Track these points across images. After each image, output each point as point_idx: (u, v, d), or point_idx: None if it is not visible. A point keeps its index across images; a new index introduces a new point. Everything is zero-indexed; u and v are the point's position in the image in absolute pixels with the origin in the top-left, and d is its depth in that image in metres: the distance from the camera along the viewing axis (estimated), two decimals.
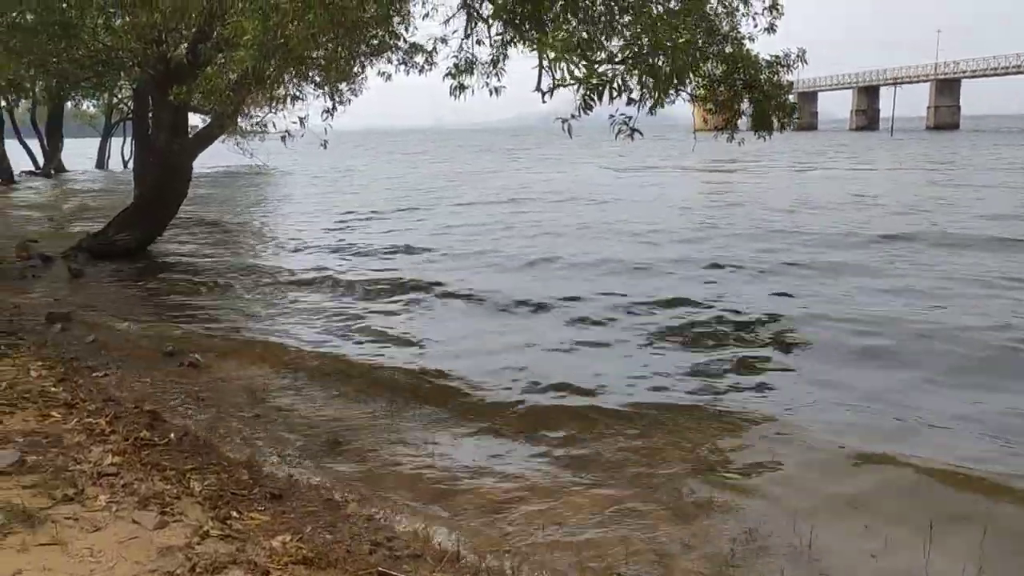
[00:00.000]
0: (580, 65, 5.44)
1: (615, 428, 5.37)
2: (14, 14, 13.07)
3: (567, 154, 47.91)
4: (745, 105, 8.36)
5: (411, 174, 35.00)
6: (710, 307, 8.87)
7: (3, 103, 35.04)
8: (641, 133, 6.20)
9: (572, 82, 5.53)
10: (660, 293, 9.49)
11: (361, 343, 7.68)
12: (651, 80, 6.00)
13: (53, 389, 5.62)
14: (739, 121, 8.76)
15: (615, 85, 5.59)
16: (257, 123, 10.17)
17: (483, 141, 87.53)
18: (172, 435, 4.87)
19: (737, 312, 8.64)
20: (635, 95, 6.06)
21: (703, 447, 5.03)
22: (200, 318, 8.69)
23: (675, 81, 5.92)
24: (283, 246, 14.85)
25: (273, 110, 9.40)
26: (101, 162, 49.49)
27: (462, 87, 9.54)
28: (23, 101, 34.17)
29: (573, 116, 5.96)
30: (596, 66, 5.72)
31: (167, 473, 4.23)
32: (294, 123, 8.64)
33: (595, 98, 5.53)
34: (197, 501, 3.90)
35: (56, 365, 6.28)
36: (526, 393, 6.04)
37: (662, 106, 6.16)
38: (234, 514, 3.77)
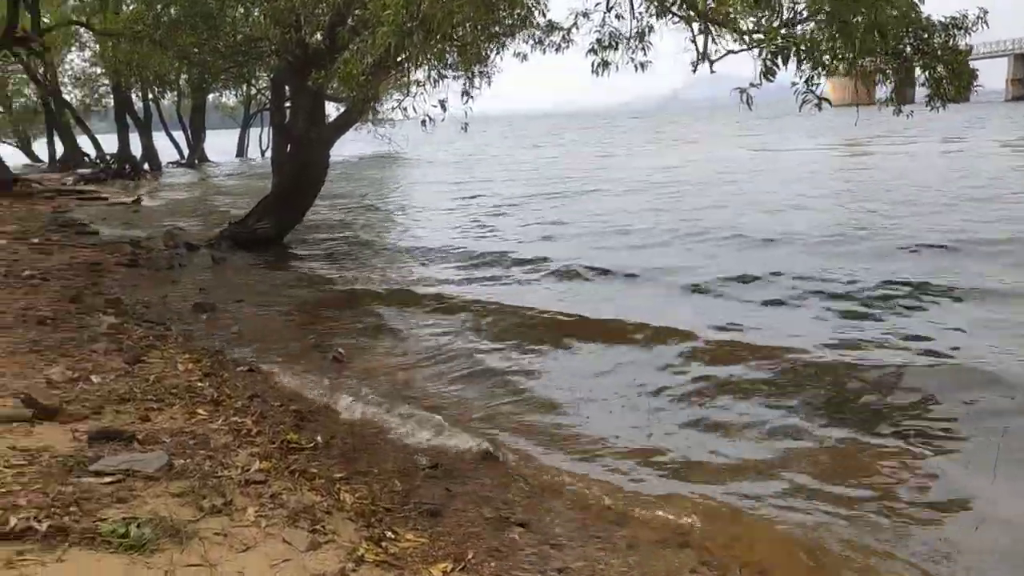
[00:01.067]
0: (762, 24, 4.85)
1: None
2: (159, 7, 13.53)
3: (702, 134, 46.30)
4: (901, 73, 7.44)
5: (547, 159, 34.42)
6: None
7: (150, 97, 37.08)
8: (829, 101, 5.53)
9: (752, 45, 4.95)
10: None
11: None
12: (840, 43, 5.30)
13: (200, 384, 5.53)
14: (885, 91, 7.81)
15: (802, 47, 4.96)
16: (395, 108, 9.89)
17: (608, 124, 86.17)
18: (319, 438, 4.64)
19: None
20: (826, 58, 5.38)
21: None
22: (340, 309, 8.56)
23: (877, 36, 5.20)
24: (423, 235, 14.56)
25: (411, 94, 9.15)
26: (240, 152, 51.75)
27: (605, 64, 9.04)
28: (168, 94, 35.89)
29: (753, 85, 5.36)
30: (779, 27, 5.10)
31: (316, 482, 3.97)
32: (434, 106, 8.34)
33: (779, 63, 4.93)
34: (348, 517, 3.61)
35: (202, 358, 6.23)
36: None
37: (854, 71, 5.46)
38: (389, 534, 3.46)
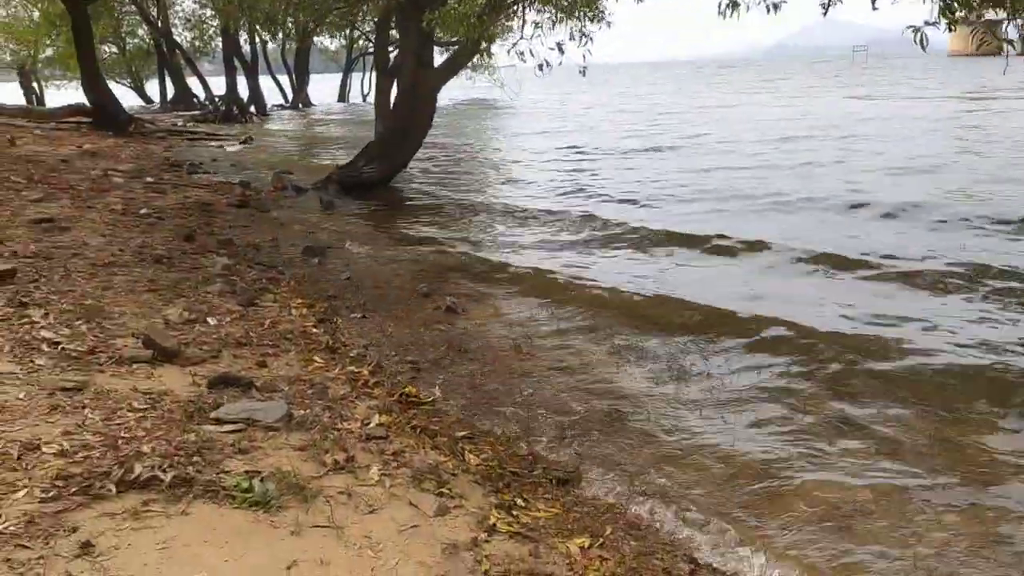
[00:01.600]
0: None
1: None
2: None
3: (806, 86, 44.16)
4: None
5: (658, 109, 33.33)
6: None
7: (257, 41, 37.68)
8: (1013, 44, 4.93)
9: None
10: None
11: (640, 286, 6.94)
12: None
13: (314, 330, 5.44)
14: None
15: None
16: (509, 52, 9.56)
17: (712, 74, 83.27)
18: (437, 391, 4.47)
19: None
20: None
21: None
22: (451, 256, 8.39)
23: None
24: (530, 182, 14.04)
25: (525, 37, 8.80)
26: (342, 96, 52.27)
27: (735, 5, 8.49)
28: (277, 36, 36.29)
29: (927, 23, 4.82)
30: None
31: (438, 440, 3.80)
32: (551, 49, 7.97)
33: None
34: (475, 480, 3.42)
35: (315, 303, 6.15)
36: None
37: None
38: (519, 502, 3.25)
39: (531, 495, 3.35)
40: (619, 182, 13.26)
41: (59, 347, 4.54)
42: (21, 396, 3.75)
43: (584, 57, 8.61)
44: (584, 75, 9.12)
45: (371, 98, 46.29)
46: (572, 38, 8.45)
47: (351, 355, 5.01)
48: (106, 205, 9.83)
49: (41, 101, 40.76)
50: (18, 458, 3.14)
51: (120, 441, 3.34)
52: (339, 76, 53.96)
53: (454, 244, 8.95)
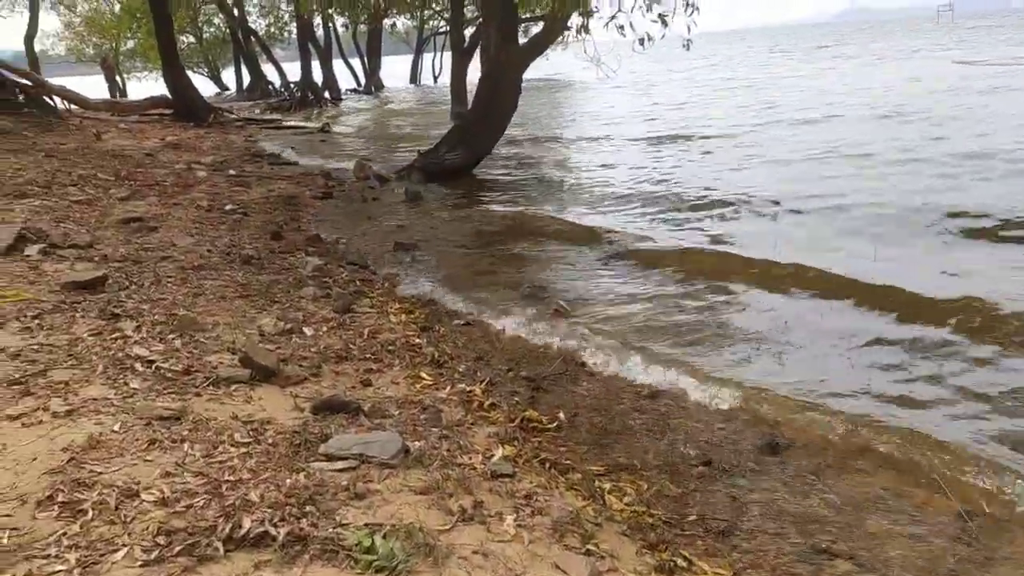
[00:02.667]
0: None
1: None
2: None
3: (898, 49, 41.92)
4: None
5: (740, 80, 32.00)
6: None
7: (330, 25, 37.77)
8: None
9: None
10: None
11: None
12: None
13: (417, 341, 5.08)
14: None
15: None
16: (607, 24, 8.99)
17: (792, 40, 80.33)
18: (561, 414, 4.03)
19: None
20: None
21: None
22: (547, 252, 7.91)
23: None
24: (617, 170, 13.33)
25: (623, 10, 8.25)
26: (414, 78, 52.15)
27: None
28: (351, 18, 36.24)
29: None
30: None
31: (572, 477, 3.37)
32: (654, 21, 7.40)
33: None
34: (622, 531, 2.99)
35: (414, 309, 5.80)
36: None
37: None
38: (680, 562, 2.79)
39: (690, 549, 2.89)
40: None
41: (153, 366, 4.27)
42: (116, 428, 3.46)
43: (689, 28, 7.98)
44: (688, 48, 8.47)
45: (443, 79, 46.31)
46: (689, 4, 7.81)
47: (459, 370, 4.63)
48: (192, 201, 9.70)
49: (124, 93, 41.75)
50: (116, 508, 2.84)
51: (224, 486, 3.01)
52: (409, 58, 53.85)
53: (548, 238, 8.47)
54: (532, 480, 3.28)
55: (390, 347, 4.92)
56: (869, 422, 3.81)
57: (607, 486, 3.29)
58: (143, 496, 2.92)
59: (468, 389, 4.28)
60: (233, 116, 24.00)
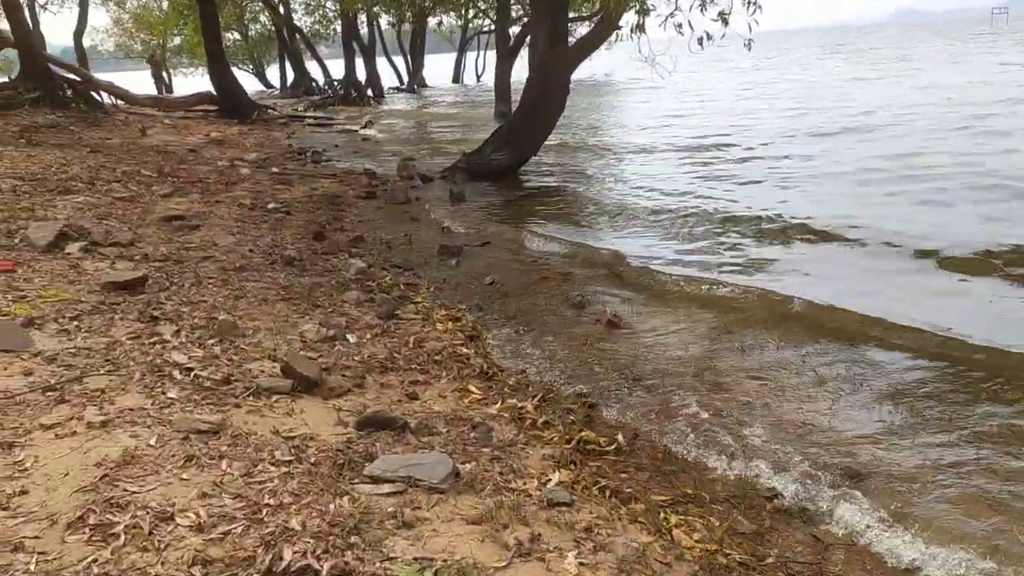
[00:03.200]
0: None
1: None
2: None
3: (959, 52, 40.74)
4: None
5: (824, 84, 30.88)
6: None
7: (374, 24, 37.85)
8: None
9: None
10: None
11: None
12: None
13: (464, 350, 4.86)
14: None
15: None
16: (663, 23, 8.64)
17: (844, 42, 78.79)
18: (620, 436, 3.78)
19: None
20: None
21: None
22: (596, 257, 7.63)
23: None
24: (661, 182, 12.62)
25: (682, 9, 7.94)
26: (457, 77, 52.13)
27: None
28: (395, 17, 36.28)
29: None
30: None
31: (635, 508, 3.12)
32: (714, 20, 7.11)
33: None
34: (694, 573, 2.72)
35: (461, 316, 5.58)
36: None
37: None
38: None
39: None
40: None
41: (192, 374, 4.11)
42: (152, 442, 3.30)
43: (750, 27, 7.64)
44: (750, 48, 8.08)
45: (486, 78, 46.22)
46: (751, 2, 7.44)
47: (509, 383, 4.40)
48: (234, 199, 9.61)
49: (170, 89, 42.27)
50: (149, 533, 2.66)
51: (265, 510, 2.82)
52: (452, 56, 53.86)
53: (596, 244, 8.18)
54: (592, 510, 3.05)
55: (436, 357, 4.71)
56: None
57: (674, 519, 3.04)
58: (178, 520, 2.74)
59: (519, 405, 4.05)
60: (276, 113, 24.07)
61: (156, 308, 5.16)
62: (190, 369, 4.17)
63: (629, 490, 3.22)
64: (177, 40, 47.50)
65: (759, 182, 10.62)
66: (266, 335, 4.90)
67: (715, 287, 6.19)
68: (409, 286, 6.37)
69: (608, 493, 3.20)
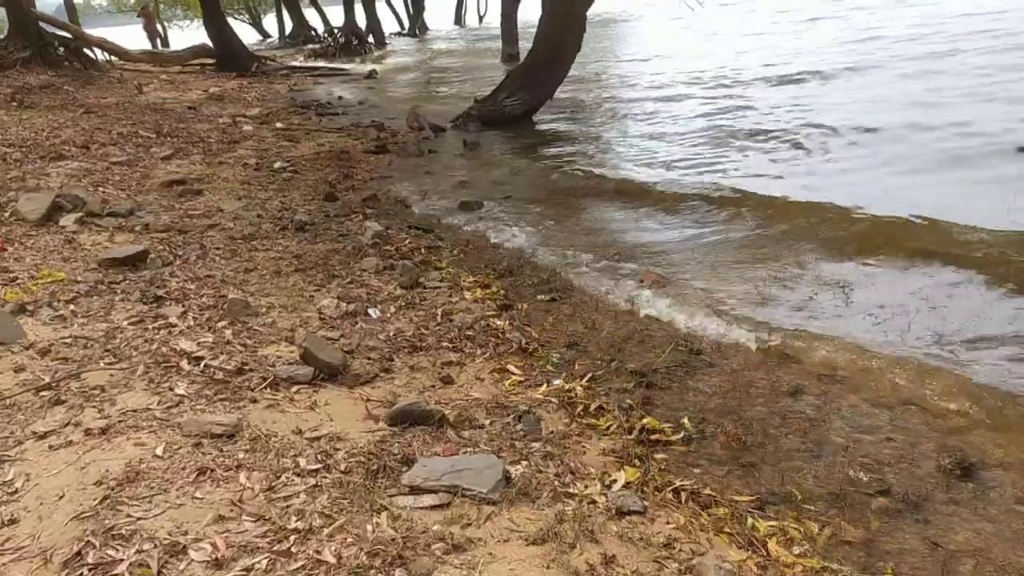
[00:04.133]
0: None
1: None
2: None
3: None
4: None
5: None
6: None
7: None
8: None
9: None
10: None
11: None
12: None
13: (498, 323, 4.42)
14: None
15: None
16: None
17: None
18: (686, 421, 3.36)
19: None
20: None
21: None
22: (623, 210, 7.11)
23: None
24: (687, 113, 12.12)
25: None
26: (459, 19, 50.81)
27: None
28: None
29: None
30: None
31: (717, 512, 2.71)
32: None
33: None
34: None
35: (491, 283, 5.14)
36: None
37: None
38: None
39: None
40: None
41: (202, 364, 3.71)
42: (160, 452, 2.91)
43: None
44: None
45: (488, 19, 45.03)
46: None
47: (552, 360, 3.97)
48: (238, 159, 9.14)
49: (166, 43, 41.36)
50: (158, 573, 2.28)
51: (292, 536, 2.43)
52: None
53: (619, 193, 7.66)
54: (668, 519, 2.65)
55: (468, 331, 4.29)
56: None
57: (763, 526, 2.63)
58: (192, 553, 2.36)
59: (567, 387, 3.64)
60: (277, 65, 23.36)
61: (160, 286, 4.76)
62: (199, 358, 3.77)
63: (708, 491, 2.81)
64: None
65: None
66: (281, 313, 4.49)
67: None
68: (431, 249, 5.92)
69: (684, 496, 2.78)
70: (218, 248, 5.67)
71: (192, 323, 4.24)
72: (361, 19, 34.99)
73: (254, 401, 3.39)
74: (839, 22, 22.67)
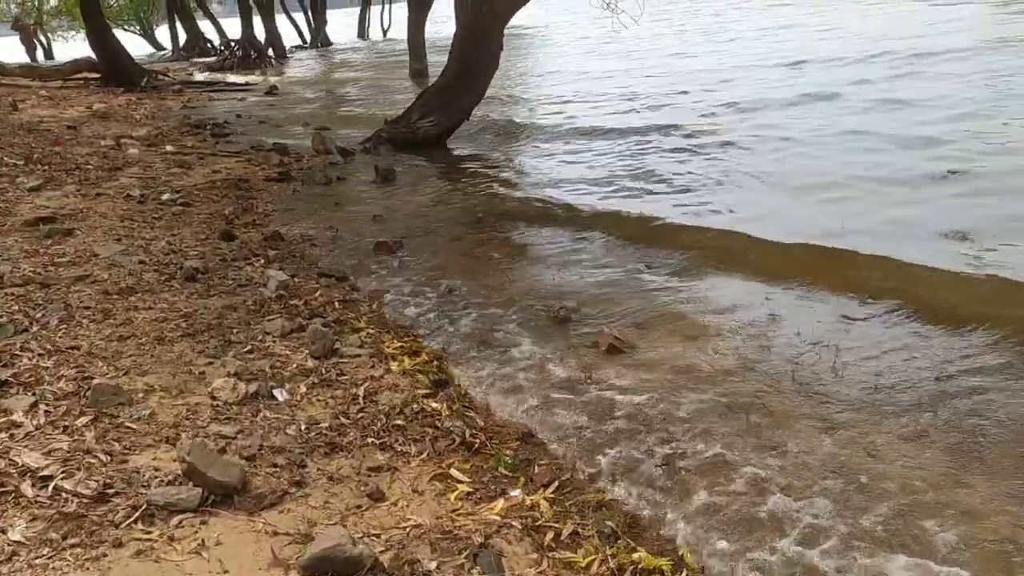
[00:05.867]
0: None
1: None
2: None
3: None
4: None
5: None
6: None
7: None
8: None
9: None
10: None
11: None
12: None
13: (433, 405, 3.64)
14: None
15: None
16: None
17: None
18: (687, 555, 2.67)
19: None
20: None
21: None
22: (555, 241, 6.43)
23: None
24: (605, 135, 11.58)
25: None
26: (362, 32, 49.58)
27: None
28: None
29: None
30: None
31: None
32: None
33: None
34: None
35: (419, 347, 4.36)
36: None
37: None
38: None
39: None
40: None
41: (50, 487, 2.82)
42: None
43: None
44: None
45: (392, 33, 44.10)
46: None
47: (506, 460, 3.22)
48: (120, 190, 8.07)
49: (51, 55, 38.98)
50: None
51: None
52: (354, 11, 51.15)
53: (556, 220, 7.00)
54: None
55: (398, 419, 3.51)
56: None
57: None
58: None
59: (528, 502, 2.89)
60: (169, 79, 21.94)
61: (6, 365, 3.81)
62: (48, 478, 2.88)
63: None
64: (54, 1, 43.74)
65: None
66: (163, 399, 3.61)
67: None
68: (346, 303, 5.09)
69: None
70: (87, 307, 4.71)
71: (43, 421, 3.32)
72: (260, 32, 33.57)
73: (118, 545, 2.54)
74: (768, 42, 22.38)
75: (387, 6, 49.31)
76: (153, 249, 6.08)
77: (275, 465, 3.08)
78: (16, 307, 4.64)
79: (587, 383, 3.89)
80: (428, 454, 3.23)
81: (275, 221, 7.26)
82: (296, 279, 5.46)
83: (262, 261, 5.92)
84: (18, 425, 3.28)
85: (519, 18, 11.28)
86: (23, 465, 2.96)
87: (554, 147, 10.36)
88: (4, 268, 5.35)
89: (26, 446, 3.11)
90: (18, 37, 35.23)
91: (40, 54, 38.59)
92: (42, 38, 44.11)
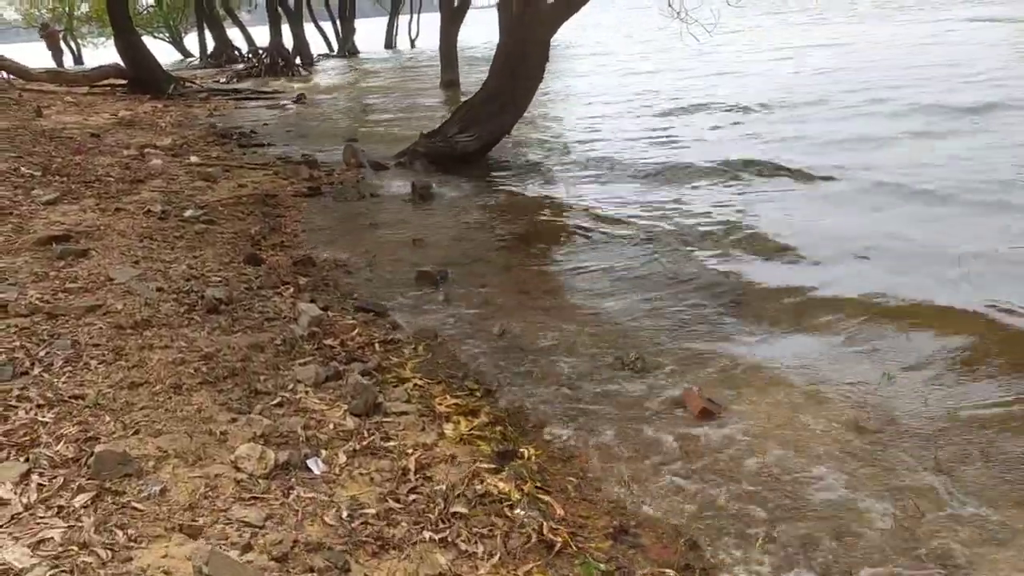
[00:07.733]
0: None
1: None
2: None
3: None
4: None
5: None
6: None
7: None
8: None
9: None
10: None
11: None
12: None
13: (500, 486, 3.04)
14: None
15: None
16: None
17: None
18: None
19: None
20: None
21: None
22: (636, 292, 5.69)
23: None
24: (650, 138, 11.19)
25: None
26: (389, 42, 49.32)
27: None
28: None
29: None
30: None
31: None
32: None
33: None
34: None
35: (477, 406, 3.75)
36: None
37: None
38: None
39: None
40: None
41: None
42: None
43: None
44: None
45: (421, 43, 43.74)
46: None
47: (599, 568, 2.60)
48: (141, 204, 7.55)
49: (80, 61, 38.98)
50: None
51: None
52: (382, 20, 50.88)
53: (624, 258, 6.31)
54: None
55: (458, 501, 2.90)
56: None
57: None
58: None
59: None
60: (196, 87, 21.57)
61: (2, 419, 3.25)
62: None
63: None
64: (85, 7, 43.89)
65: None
66: (177, 468, 3.04)
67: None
68: (387, 345, 4.51)
69: None
70: (97, 344, 4.16)
71: (35, 498, 2.76)
72: (288, 40, 33.29)
73: None
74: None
75: (415, 16, 49.03)
76: (172, 274, 5.53)
77: (311, 570, 2.48)
78: (18, 343, 4.10)
79: (680, 451, 3.27)
80: (499, 557, 2.62)
81: (305, 243, 6.72)
82: (330, 313, 4.88)
83: (291, 290, 5.35)
84: (5, 503, 2.72)
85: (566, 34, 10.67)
86: (4, 563, 2.39)
87: (603, 167, 9.74)
88: (9, 295, 4.81)
89: (11, 533, 2.55)
90: (44, 43, 35.14)
91: (69, 60, 38.56)
92: (72, 44, 44.21)
